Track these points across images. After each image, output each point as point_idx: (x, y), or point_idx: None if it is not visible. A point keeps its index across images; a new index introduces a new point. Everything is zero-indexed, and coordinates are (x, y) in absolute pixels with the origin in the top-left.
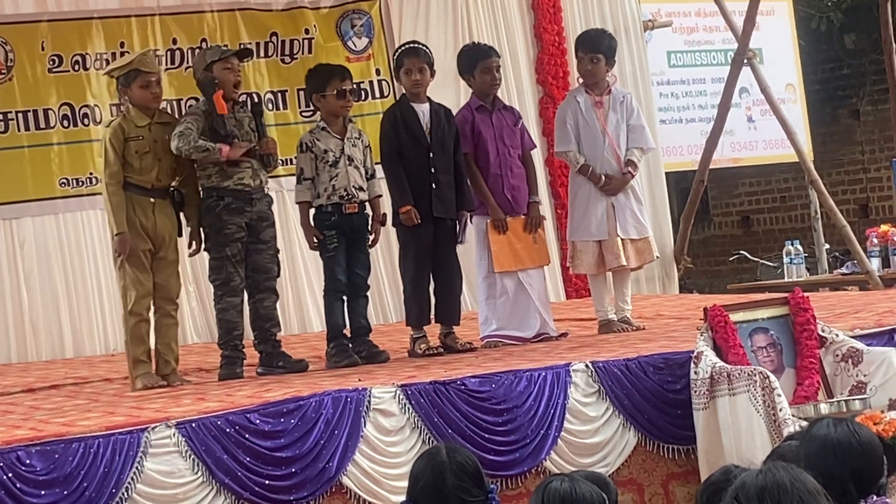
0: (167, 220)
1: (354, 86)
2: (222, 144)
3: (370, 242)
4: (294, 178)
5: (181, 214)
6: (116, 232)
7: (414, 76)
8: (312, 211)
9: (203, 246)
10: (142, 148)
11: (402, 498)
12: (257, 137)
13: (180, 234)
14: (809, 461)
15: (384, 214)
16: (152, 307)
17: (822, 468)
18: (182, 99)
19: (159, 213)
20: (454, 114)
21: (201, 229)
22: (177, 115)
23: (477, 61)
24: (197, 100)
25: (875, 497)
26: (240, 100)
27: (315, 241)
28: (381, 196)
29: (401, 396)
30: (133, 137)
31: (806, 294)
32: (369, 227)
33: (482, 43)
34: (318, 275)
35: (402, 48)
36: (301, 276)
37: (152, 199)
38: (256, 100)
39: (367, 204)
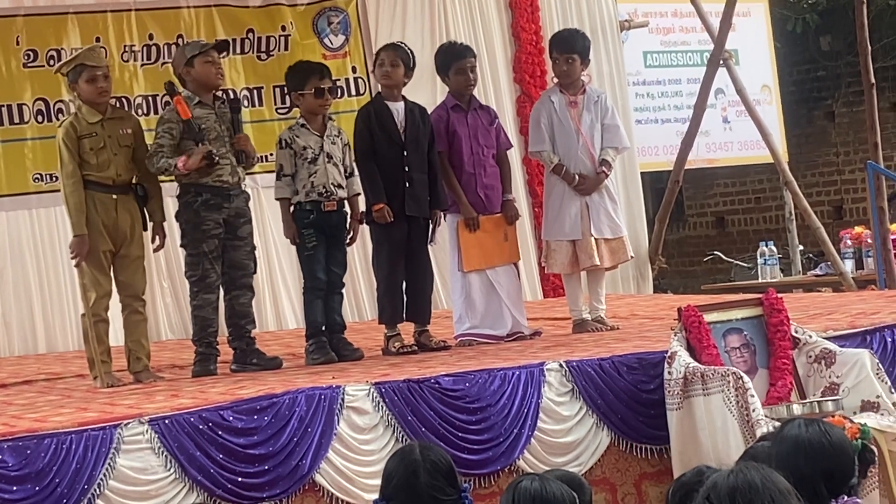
0: (129, 216)
1: (334, 84)
2: (179, 158)
3: (348, 240)
4: (270, 175)
5: (145, 209)
6: (75, 234)
7: (385, 68)
8: (292, 208)
9: (180, 242)
10: (96, 144)
11: (376, 496)
12: (231, 134)
13: (145, 229)
14: (781, 461)
15: (363, 213)
16: (119, 306)
17: (794, 468)
18: (157, 95)
19: (121, 210)
20: (431, 111)
21: (178, 225)
22: (152, 112)
23: (452, 62)
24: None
25: (846, 497)
26: (220, 95)
27: (296, 238)
28: (359, 194)
29: (374, 394)
30: (86, 135)
31: (779, 295)
32: (347, 225)
33: (459, 43)
34: (294, 272)
35: (383, 46)
36: (276, 274)
37: (114, 196)
38: (233, 96)
39: (345, 202)
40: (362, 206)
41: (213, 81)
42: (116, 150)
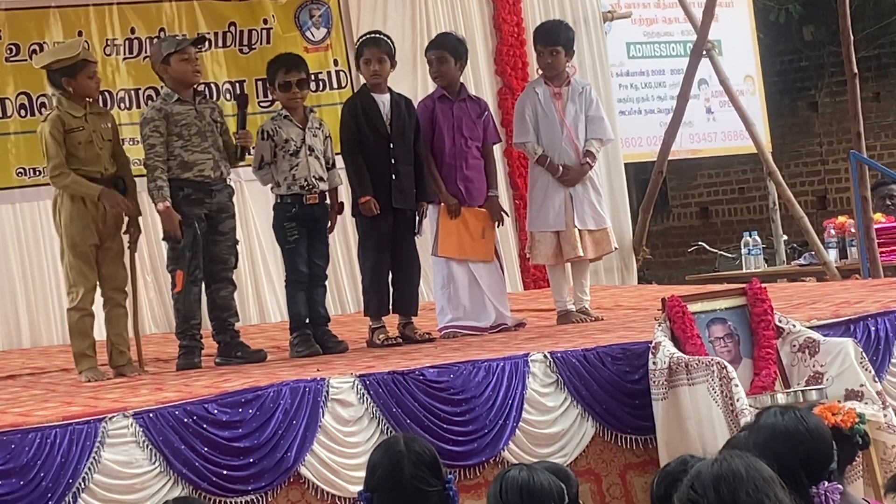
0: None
1: (305, 76)
2: (164, 202)
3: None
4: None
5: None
6: (97, 197)
7: (373, 66)
8: (273, 198)
9: (163, 236)
10: (84, 138)
11: (360, 488)
12: (237, 127)
13: (123, 222)
14: (759, 450)
15: (341, 203)
16: (101, 299)
17: (772, 456)
18: (140, 88)
19: None
20: (419, 101)
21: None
22: (134, 106)
23: (426, 52)
24: (157, 91)
25: (826, 483)
26: (201, 90)
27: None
28: (339, 185)
29: (359, 386)
30: (74, 129)
31: (763, 285)
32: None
33: (442, 33)
34: (277, 265)
35: (363, 38)
36: (259, 267)
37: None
38: (241, 91)
39: (327, 194)
40: (342, 198)
41: (190, 79)
42: (101, 144)
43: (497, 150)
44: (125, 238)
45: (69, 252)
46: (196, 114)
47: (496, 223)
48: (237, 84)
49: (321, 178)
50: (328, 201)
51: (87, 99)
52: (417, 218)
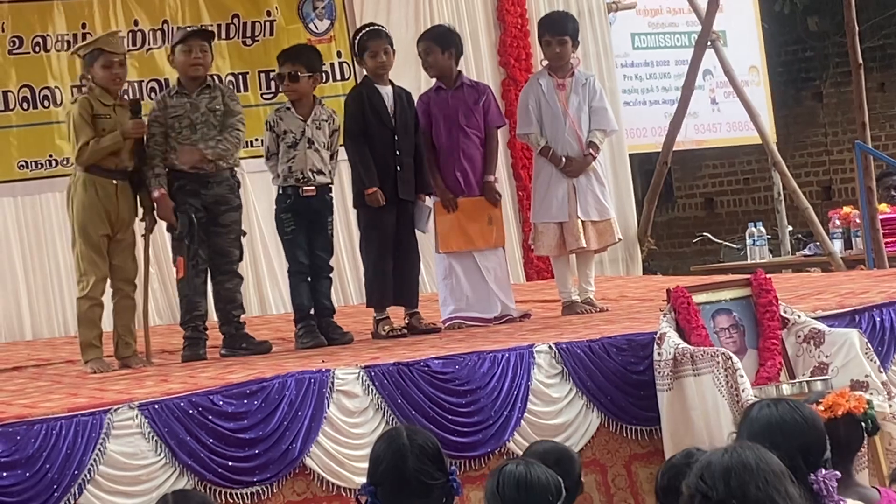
0: (127, 202)
1: (304, 68)
2: (158, 189)
3: None
4: (255, 160)
5: (138, 196)
6: (122, 137)
7: (380, 58)
8: (276, 189)
9: (167, 226)
10: (110, 126)
11: (365, 479)
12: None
13: (135, 215)
14: (757, 443)
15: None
16: (108, 291)
17: (772, 448)
18: (143, 81)
19: (122, 196)
20: (420, 94)
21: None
22: (138, 97)
23: (417, 44)
24: (160, 83)
25: (823, 471)
26: (210, 83)
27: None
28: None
29: (364, 378)
30: (101, 115)
31: (768, 275)
32: (332, 210)
33: (435, 26)
34: (278, 257)
35: (365, 31)
36: (260, 259)
37: (115, 182)
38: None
39: (329, 186)
40: (345, 189)
41: (188, 71)
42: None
43: (500, 140)
44: (140, 227)
45: (81, 240)
46: (191, 106)
47: (493, 204)
48: (240, 76)
49: (320, 172)
50: (331, 194)
51: (116, 89)
52: (416, 210)
